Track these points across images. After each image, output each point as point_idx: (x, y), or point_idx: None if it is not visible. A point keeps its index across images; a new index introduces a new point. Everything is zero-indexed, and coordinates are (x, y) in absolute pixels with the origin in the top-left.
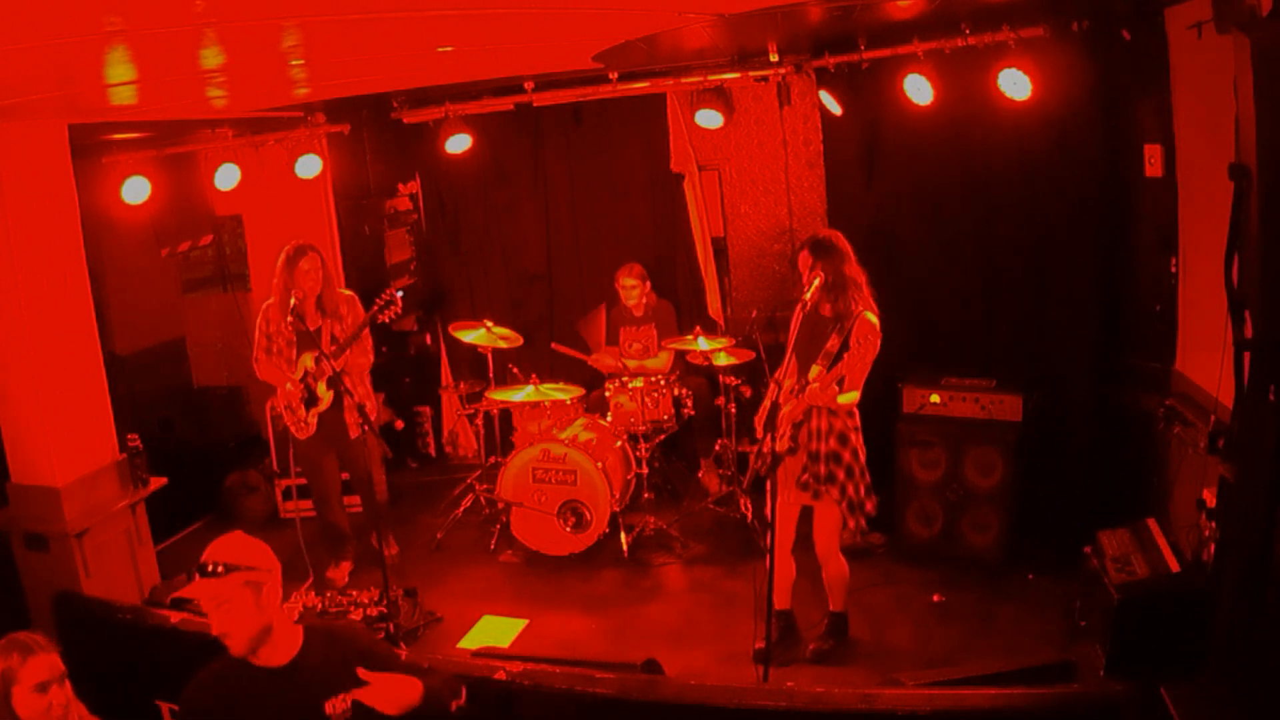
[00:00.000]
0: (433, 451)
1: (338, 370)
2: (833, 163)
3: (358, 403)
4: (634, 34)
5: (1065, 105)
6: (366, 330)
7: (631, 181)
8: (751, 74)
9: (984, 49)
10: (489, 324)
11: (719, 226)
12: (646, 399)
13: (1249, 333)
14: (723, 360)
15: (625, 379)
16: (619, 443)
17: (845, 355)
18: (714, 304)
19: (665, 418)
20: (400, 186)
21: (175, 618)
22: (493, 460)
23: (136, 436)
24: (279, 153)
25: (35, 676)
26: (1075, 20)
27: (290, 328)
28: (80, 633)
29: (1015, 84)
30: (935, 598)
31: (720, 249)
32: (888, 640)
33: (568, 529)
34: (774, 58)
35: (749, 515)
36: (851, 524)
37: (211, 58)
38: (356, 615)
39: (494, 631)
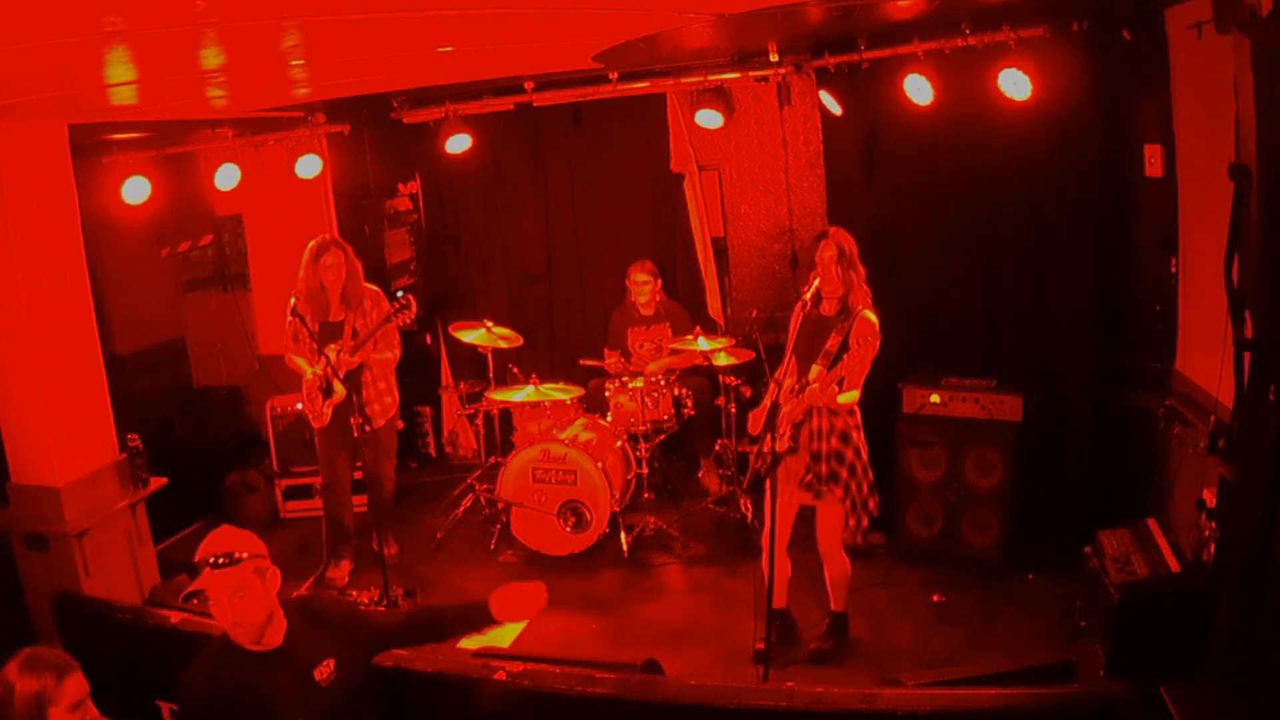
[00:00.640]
0: (433, 451)
1: (355, 365)
2: (833, 163)
3: (361, 402)
4: (634, 34)
5: (1065, 105)
6: (393, 326)
7: (631, 181)
8: (751, 74)
9: (984, 49)
10: (489, 324)
11: (719, 226)
12: (646, 399)
13: (1249, 333)
14: (723, 360)
15: (625, 379)
16: (619, 443)
17: (845, 355)
18: (714, 304)
19: (665, 418)
20: (400, 186)
21: (175, 618)
22: (493, 460)
23: (136, 436)
24: (279, 153)
25: (71, 696)
26: (1075, 20)
27: (306, 322)
28: (80, 633)
29: (1015, 84)
30: (935, 598)
31: (720, 249)
32: (888, 640)
33: (568, 529)
34: (774, 58)
35: (749, 515)
36: (854, 523)
37: (211, 58)
38: None
39: (494, 631)
